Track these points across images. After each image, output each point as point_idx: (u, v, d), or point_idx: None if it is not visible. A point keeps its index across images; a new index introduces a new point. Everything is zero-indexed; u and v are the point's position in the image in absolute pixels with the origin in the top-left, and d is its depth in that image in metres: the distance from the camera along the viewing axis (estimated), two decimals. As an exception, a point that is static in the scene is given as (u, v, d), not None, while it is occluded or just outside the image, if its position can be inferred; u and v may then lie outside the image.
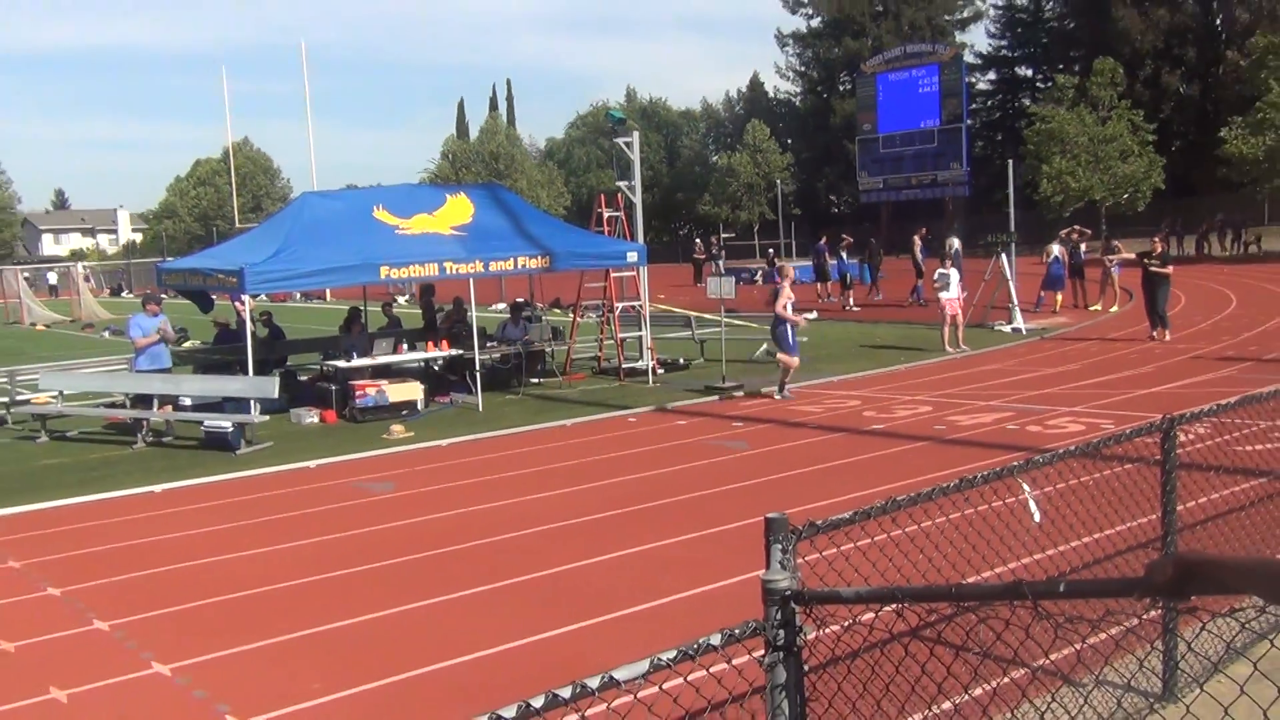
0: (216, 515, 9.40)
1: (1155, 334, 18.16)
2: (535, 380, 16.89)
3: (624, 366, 17.30)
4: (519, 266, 15.72)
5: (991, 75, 65.93)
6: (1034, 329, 20.87)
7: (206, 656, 5.94)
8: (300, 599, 6.94)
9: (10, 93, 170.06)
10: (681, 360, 18.15)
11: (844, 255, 29.69)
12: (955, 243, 23.65)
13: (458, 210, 16.09)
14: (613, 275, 17.32)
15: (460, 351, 15.95)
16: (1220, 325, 20.30)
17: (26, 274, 45.93)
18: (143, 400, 13.38)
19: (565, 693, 2.05)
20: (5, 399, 15.14)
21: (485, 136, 78.37)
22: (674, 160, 76.36)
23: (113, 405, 14.48)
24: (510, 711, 1.94)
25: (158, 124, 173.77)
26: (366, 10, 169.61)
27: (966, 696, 3.94)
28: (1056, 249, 23.73)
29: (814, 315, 24.25)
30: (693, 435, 12.11)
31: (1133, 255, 20.87)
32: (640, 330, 17.33)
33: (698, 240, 52.51)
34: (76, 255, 79.98)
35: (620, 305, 17.65)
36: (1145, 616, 4.34)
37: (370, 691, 5.37)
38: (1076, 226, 25.24)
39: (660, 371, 17.12)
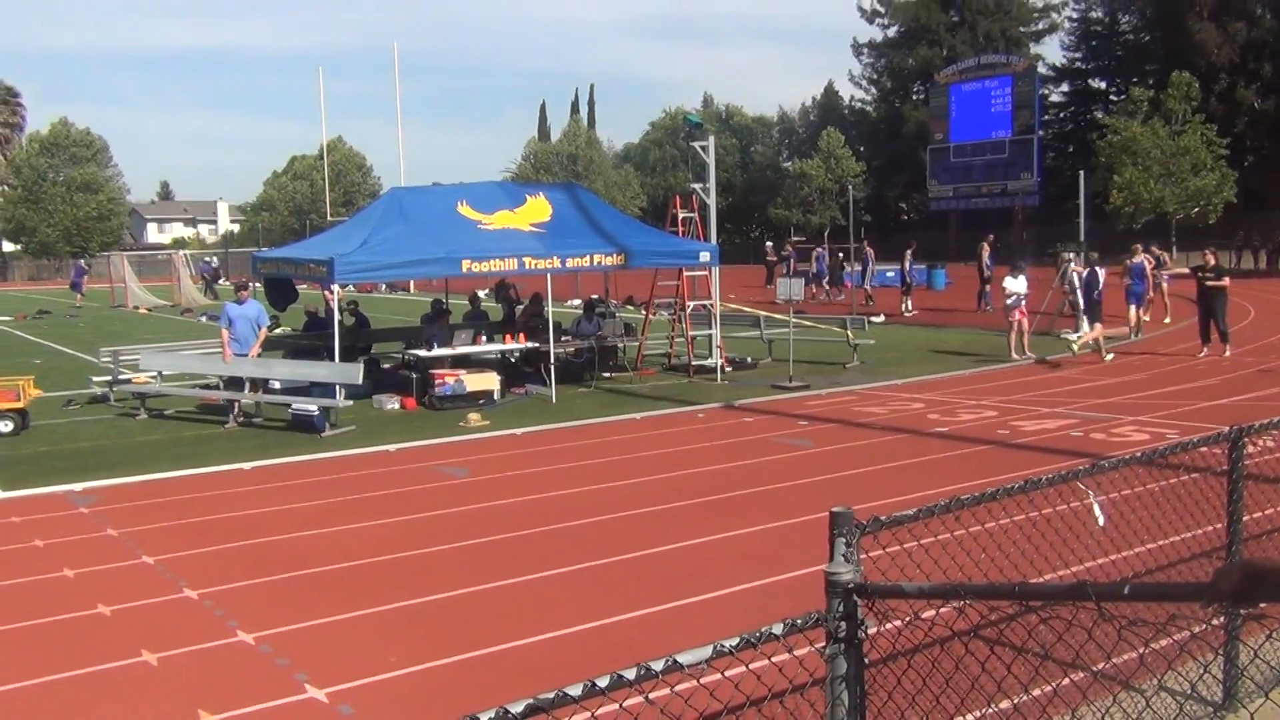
0: (301, 493, 9.74)
1: (1206, 350, 17.29)
2: (607, 374, 17.06)
3: (694, 364, 17.41)
4: (595, 263, 15.95)
5: (1065, 87, 64.10)
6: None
7: (289, 627, 6.17)
8: (379, 575, 7.17)
9: (124, 90, 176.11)
10: (750, 359, 18.23)
11: (908, 261, 29.76)
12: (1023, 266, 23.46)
13: (538, 209, 16.37)
14: (685, 274, 17.45)
15: (536, 344, 16.23)
16: (1290, 338, 19.77)
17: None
18: (235, 383, 13.89)
19: (630, 674, 2.09)
20: (109, 378, 15.74)
21: (566, 139, 78.90)
22: (748, 165, 75.99)
23: (207, 387, 15.03)
24: (577, 689, 2.01)
25: (258, 121, 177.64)
26: (456, 16, 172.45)
27: (1026, 696, 3.89)
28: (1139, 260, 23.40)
29: None
30: (759, 432, 12.19)
31: (1185, 269, 20.55)
32: (710, 329, 17.46)
33: (769, 243, 52.31)
34: (178, 244, 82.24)
35: (692, 304, 17.78)
36: (1212, 623, 4.30)
37: (443, 666, 5.54)
38: (1152, 247, 24.94)
39: (729, 369, 17.22)
